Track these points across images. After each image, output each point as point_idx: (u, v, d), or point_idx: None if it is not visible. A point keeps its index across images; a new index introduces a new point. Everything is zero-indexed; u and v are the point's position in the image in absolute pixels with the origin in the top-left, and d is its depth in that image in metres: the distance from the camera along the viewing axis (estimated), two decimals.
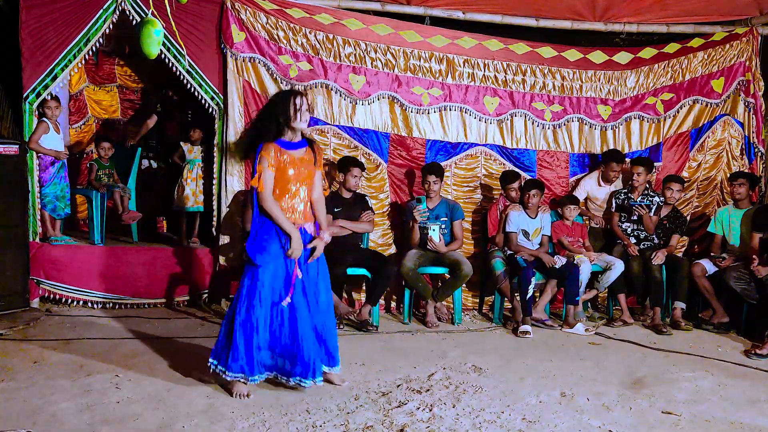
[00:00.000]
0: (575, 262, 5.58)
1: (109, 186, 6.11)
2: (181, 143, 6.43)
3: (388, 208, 6.09)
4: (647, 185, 6.07)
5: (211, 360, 3.72)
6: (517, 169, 6.26)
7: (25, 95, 5.40)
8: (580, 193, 6.27)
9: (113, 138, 6.77)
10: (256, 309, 3.60)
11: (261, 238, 3.65)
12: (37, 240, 5.52)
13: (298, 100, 3.67)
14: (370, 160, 6.02)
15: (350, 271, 5.33)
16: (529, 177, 6.21)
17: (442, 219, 5.70)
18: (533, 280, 5.47)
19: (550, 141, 6.44)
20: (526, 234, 5.80)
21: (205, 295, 5.79)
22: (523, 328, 5.33)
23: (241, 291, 3.65)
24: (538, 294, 5.80)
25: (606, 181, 6.24)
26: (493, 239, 5.90)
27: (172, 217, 6.61)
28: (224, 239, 5.75)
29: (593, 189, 6.30)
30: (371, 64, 6.03)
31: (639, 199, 5.99)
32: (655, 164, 6.45)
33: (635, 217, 5.99)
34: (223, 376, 3.64)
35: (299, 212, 3.74)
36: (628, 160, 6.29)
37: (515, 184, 5.90)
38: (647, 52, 6.54)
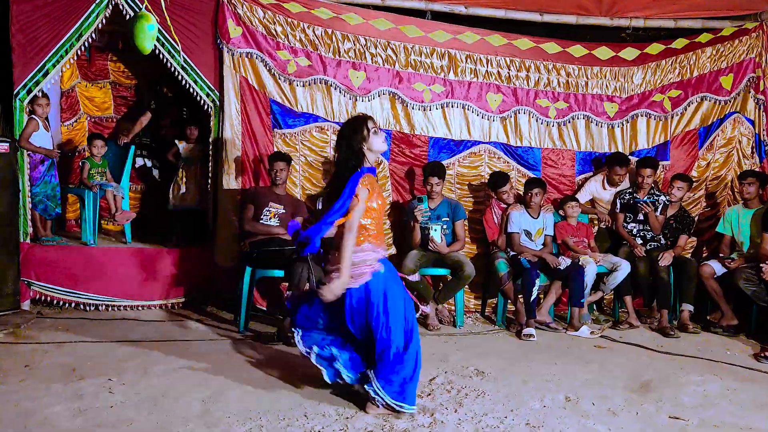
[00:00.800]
0: (580, 263, 5.59)
1: (101, 185, 6.11)
2: (177, 141, 6.44)
3: (388, 208, 6.10)
4: (653, 184, 6.08)
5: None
6: (520, 169, 6.28)
7: (15, 92, 5.40)
8: (584, 195, 6.28)
9: (106, 135, 6.77)
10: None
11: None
12: (28, 240, 5.53)
13: (370, 124, 3.68)
14: None
15: None
16: (532, 176, 6.23)
17: (443, 219, 5.71)
18: (537, 282, 5.48)
19: (555, 139, 6.44)
20: (528, 234, 5.81)
21: (200, 297, 5.81)
22: (526, 330, 5.34)
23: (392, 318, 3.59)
24: (542, 296, 5.81)
25: (611, 184, 6.23)
26: (495, 243, 5.91)
27: (167, 216, 6.62)
28: (220, 239, 5.75)
29: (598, 191, 6.30)
30: (371, 59, 6.04)
31: (645, 198, 6.00)
32: (663, 163, 6.46)
33: (641, 217, 6.00)
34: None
35: (385, 239, 3.81)
36: (633, 159, 6.29)
37: (507, 187, 5.90)
38: (654, 48, 6.54)
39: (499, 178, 5.95)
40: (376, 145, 3.68)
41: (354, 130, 3.68)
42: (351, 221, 3.53)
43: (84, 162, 6.20)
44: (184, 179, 6.33)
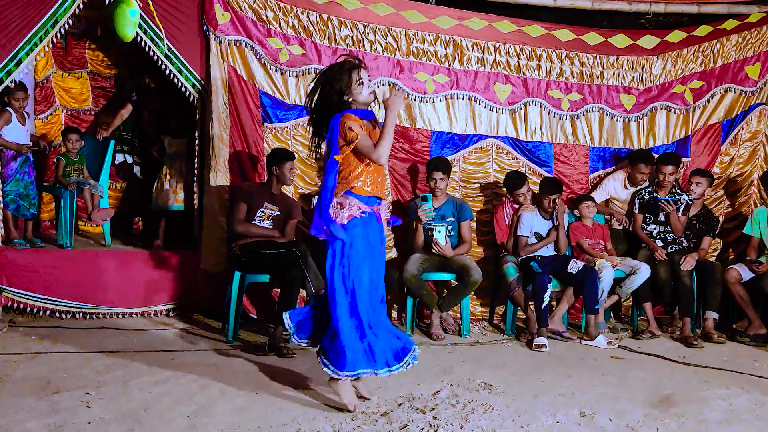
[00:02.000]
0: (596, 267, 5.59)
1: (78, 183, 6.10)
2: (161, 135, 6.43)
3: (389, 204, 6.10)
4: (674, 182, 6.08)
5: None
6: (531, 166, 6.29)
7: None
8: (600, 195, 6.27)
9: (83, 129, 6.77)
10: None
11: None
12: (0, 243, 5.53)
13: (356, 75, 3.69)
14: None
15: None
16: (545, 173, 6.22)
17: (448, 219, 5.70)
18: (549, 288, 5.47)
19: (568, 133, 6.45)
20: (539, 237, 5.80)
21: (186, 304, 5.81)
22: (538, 340, 5.34)
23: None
24: (555, 303, 5.81)
25: (632, 183, 6.22)
26: (504, 245, 5.91)
27: (149, 217, 6.60)
28: (207, 242, 5.74)
29: (617, 191, 6.28)
30: (370, 47, 6.04)
31: (666, 197, 5.98)
32: (683, 159, 6.46)
33: (662, 218, 5.99)
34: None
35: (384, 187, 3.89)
36: (654, 155, 6.28)
37: (524, 189, 5.89)
38: (675, 36, 6.55)
39: (515, 180, 5.93)
40: (361, 97, 3.71)
41: (334, 78, 3.68)
42: (364, 151, 3.57)
43: (59, 158, 6.19)
44: (168, 176, 6.32)
